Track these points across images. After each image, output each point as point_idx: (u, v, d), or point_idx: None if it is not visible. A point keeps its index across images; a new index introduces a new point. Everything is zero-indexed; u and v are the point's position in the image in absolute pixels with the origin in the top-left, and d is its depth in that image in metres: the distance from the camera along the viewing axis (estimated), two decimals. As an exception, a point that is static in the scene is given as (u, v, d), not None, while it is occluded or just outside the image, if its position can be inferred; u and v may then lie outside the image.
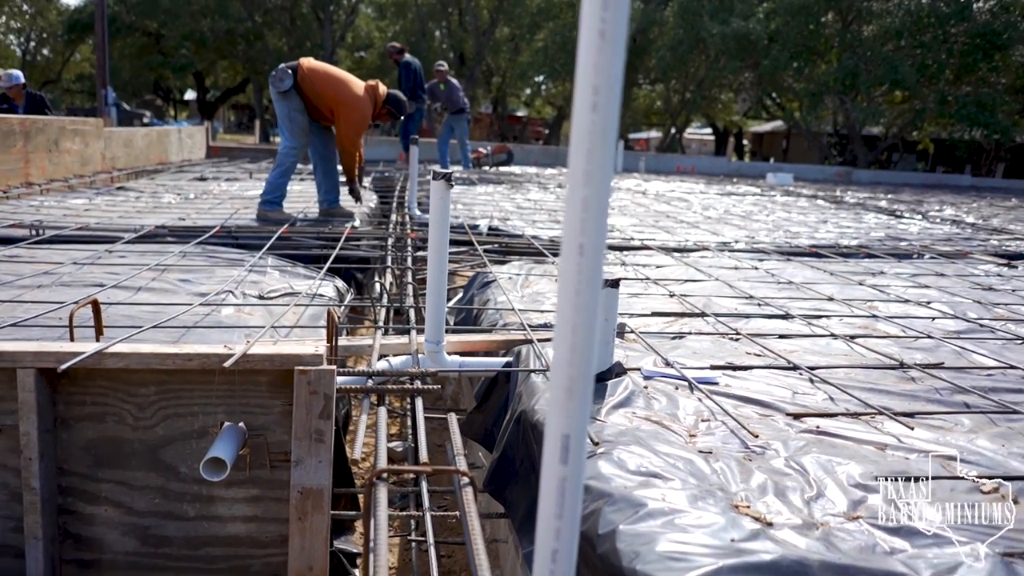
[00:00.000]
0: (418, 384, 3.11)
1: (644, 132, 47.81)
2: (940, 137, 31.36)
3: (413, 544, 3.43)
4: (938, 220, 11.53)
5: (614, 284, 3.03)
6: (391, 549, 4.14)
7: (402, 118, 8.24)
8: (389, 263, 5.80)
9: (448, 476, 2.53)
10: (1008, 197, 19.72)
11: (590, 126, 1.19)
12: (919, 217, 11.81)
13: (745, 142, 48.86)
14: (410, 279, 5.28)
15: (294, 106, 7.23)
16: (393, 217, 8.18)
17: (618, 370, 3.20)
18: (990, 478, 2.46)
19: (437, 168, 3.40)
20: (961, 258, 7.52)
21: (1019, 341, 4.32)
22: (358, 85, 7.41)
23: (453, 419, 2.81)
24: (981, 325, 4.66)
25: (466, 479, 2.18)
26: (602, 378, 3.14)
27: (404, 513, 2.68)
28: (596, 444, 2.55)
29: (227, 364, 2.53)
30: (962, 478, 2.46)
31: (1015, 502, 2.33)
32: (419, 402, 3.09)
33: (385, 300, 5.25)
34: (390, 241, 6.58)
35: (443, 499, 4.43)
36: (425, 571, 2.40)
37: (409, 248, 6.29)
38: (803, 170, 24.53)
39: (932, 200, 16.12)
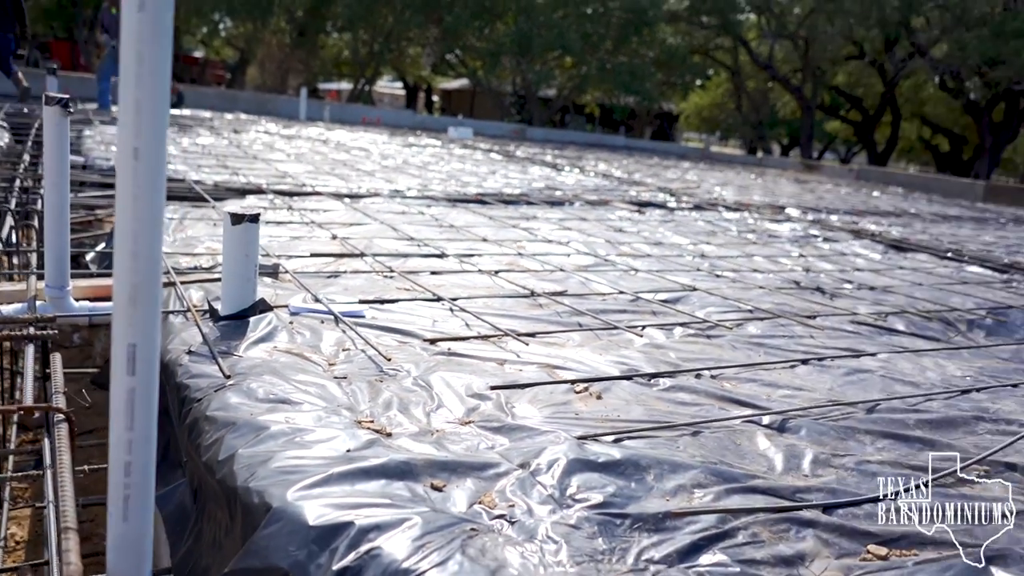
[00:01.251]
0: (31, 330, 2.81)
1: (335, 83, 46.84)
2: (603, 102, 34.84)
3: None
4: (592, 174, 12.88)
5: (252, 219, 2.99)
6: (20, 521, 3.75)
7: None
8: (13, 206, 5.10)
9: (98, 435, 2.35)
10: (652, 156, 22.61)
11: (138, 26, 1.16)
12: (577, 171, 13.09)
13: (435, 98, 50.10)
14: (36, 224, 4.71)
15: None
16: (26, 156, 7.18)
17: (262, 307, 3.17)
18: (583, 380, 2.88)
19: (49, 92, 2.95)
20: (603, 205, 8.51)
21: (633, 272, 5.04)
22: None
23: (57, 358, 2.60)
24: (606, 260, 5.35)
25: (60, 416, 2.04)
26: (245, 315, 3.10)
27: (21, 474, 2.44)
28: (228, 377, 2.52)
29: None
30: (561, 382, 2.84)
31: (598, 397, 2.76)
32: (56, 357, 2.79)
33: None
34: (18, 183, 5.78)
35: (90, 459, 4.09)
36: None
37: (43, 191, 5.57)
38: (484, 126, 25.84)
39: (591, 157, 17.93)
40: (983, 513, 2.22)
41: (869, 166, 30.60)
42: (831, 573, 1.86)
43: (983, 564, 1.90)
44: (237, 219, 2.96)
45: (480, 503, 1.98)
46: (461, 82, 42.13)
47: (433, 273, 4.41)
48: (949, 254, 7.51)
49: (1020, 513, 2.25)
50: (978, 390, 3.33)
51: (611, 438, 2.40)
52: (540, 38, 26.79)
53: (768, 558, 1.86)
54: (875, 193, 16.63)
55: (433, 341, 3.17)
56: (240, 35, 35.50)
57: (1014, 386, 3.45)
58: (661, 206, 9.08)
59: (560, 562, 1.76)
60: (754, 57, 33.59)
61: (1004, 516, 2.23)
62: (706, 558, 1.84)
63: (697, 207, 9.40)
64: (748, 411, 2.77)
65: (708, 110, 39.77)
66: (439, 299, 3.79)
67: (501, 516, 1.93)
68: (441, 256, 4.88)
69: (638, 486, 2.13)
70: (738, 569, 1.80)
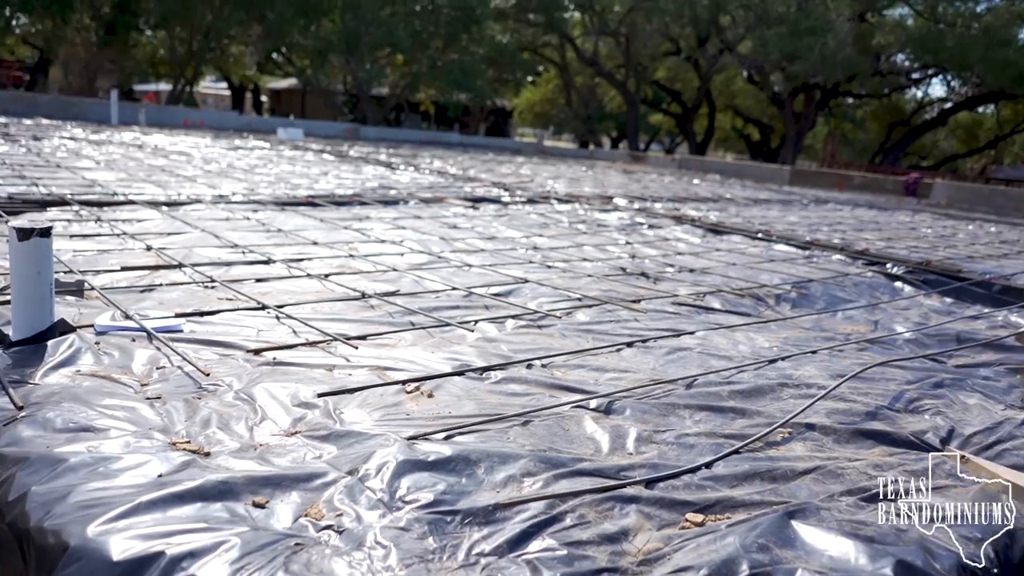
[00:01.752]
0: None
1: (153, 84, 43.95)
2: (437, 99, 34.84)
3: None
4: (427, 172, 12.86)
5: (43, 233, 2.74)
6: None
7: None
8: None
9: None
10: (487, 152, 22.89)
11: None
12: (412, 169, 13.02)
13: (263, 98, 48.15)
14: None
15: None
16: None
17: (62, 328, 2.92)
18: (415, 380, 2.86)
19: None
20: (438, 203, 8.51)
21: (466, 268, 5.07)
22: None
23: None
24: (440, 257, 5.35)
25: None
26: (42, 338, 2.84)
27: None
28: (20, 408, 2.30)
29: None
30: (392, 383, 2.81)
31: (430, 396, 2.75)
32: None
33: None
34: None
35: None
36: None
37: None
38: (315, 126, 25.16)
39: (426, 155, 17.89)
40: (787, 472, 2.41)
41: (690, 155, 32.53)
42: (653, 544, 1.95)
43: (786, 519, 2.06)
44: (25, 234, 2.71)
45: (306, 516, 1.92)
46: (290, 81, 40.76)
47: (259, 280, 4.23)
48: (759, 235, 8.11)
49: (818, 468, 2.46)
50: (783, 359, 3.62)
51: (442, 435, 2.39)
52: (369, 36, 26.39)
53: (594, 537, 1.93)
54: (695, 181, 17.69)
55: (257, 352, 3.04)
56: (39, 33, 32.52)
57: (813, 352, 3.77)
58: (495, 201, 9.21)
59: (389, 567, 1.74)
60: (580, 54, 34.76)
61: (804, 473, 2.43)
62: (535, 544, 1.88)
63: (530, 200, 9.61)
64: (577, 396, 2.85)
65: (540, 105, 40.77)
66: (264, 307, 3.64)
67: (328, 527, 1.87)
68: (267, 262, 4.70)
69: (469, 481, 2.14)
70: (565, 552, 1.84)
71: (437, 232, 6.47)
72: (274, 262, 4.70)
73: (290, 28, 26.59)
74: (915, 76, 34.26)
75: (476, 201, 8.87)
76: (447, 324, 3.62)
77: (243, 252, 4.93)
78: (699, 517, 2.10)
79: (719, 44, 31.52)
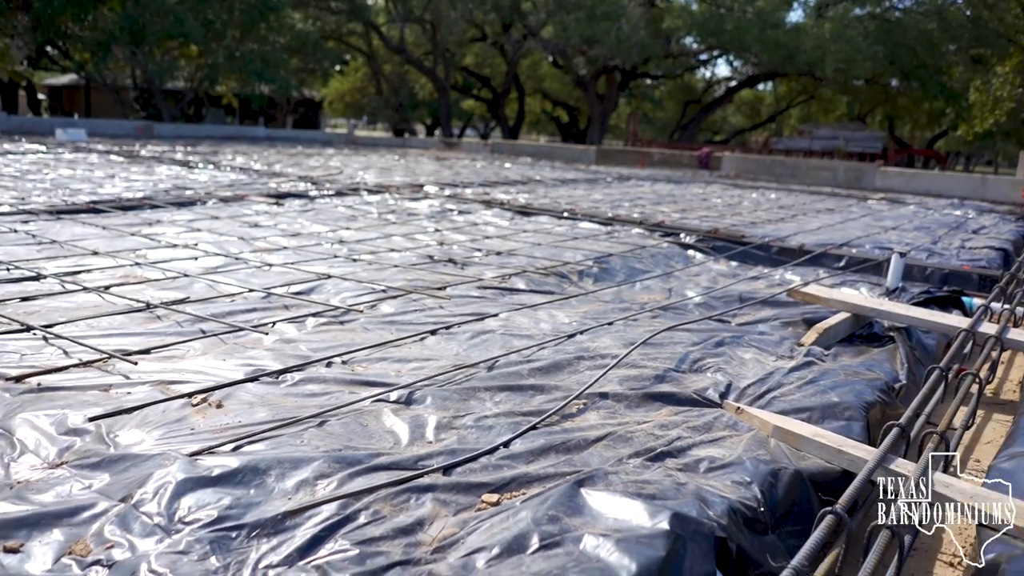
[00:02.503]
0: None
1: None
2: (240, 92, 33.16)
3: None
4: (228, 169, 12.21)
5: None
6: None
7: None
8: None
9: None
10: (295, 145, 22.14)
11: None
12: (211, 167, 12.32)
13: (41, 96, 43.67)
14: None
15: None
16: None
17: None
18: (202, 391, 2.70)
19: None
20: (238, 201, 8.11)
21: (266, 267, 4.86)
22: None
23: None
24: (238, 259, 5.09)
25: None
26: None
27: None
28: None
29: None
30: (176, 397, 2.63)
31: (218, 406, 2.60)
32: None
33: None
34: None
35: None
36: None
37: None
38: (102, 125, 23.24)
39: (228, 151, 17.00)
40: (580, 442, 2.51)
41: (503, 140, 33.11)
42: (448, 530, 1.95)
43: (576, 488, 2.14)
44: None
45: (70, 553, 1.75)
46: (71, 77, 37.28)
47: (25, 299, 3.82)
48: (565, 214, 8.40)
49: (609, 435, 2.58)
50: (581, 332, 3.76)
51: (229, 447, 2.27)
52: (155, 26, 24.58)
53: (388, 532, 1.90)
54: (507, 164, 18.05)
55: (19, 379, 2.75)
56: None
57: (610, 324, 3.96)
58: (302, 196, 8.91)
59: (165, 595, 1.63)
60: (386, 41, 34.34)
61: (596, 441, 2.54)
62: (327, 548, 1.83)
63: (339, 193, 9.39)
64: (377, 390, 2.81)
65: (350, 95, 39.91)
66: (29, 328, 3.30)
67: (96, 562, 1.73)
68: (37, 278, 4.26)
69: (258, 491, 2.05)
70: (357, 551, 1.81)
71: (236, 232, 6.16)
72: (45, 277, 4.28)
73: (61, 18, 24.23)
74: (703, 57, 36.86)
75: (280, 197, 8.54)
76: (240, 329, 3.46)
77: (7, 269, 4.44)
78: (495, 497, 2.13)
79: (523, 29, 32.29)
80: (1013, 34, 31.33)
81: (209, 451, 2.23)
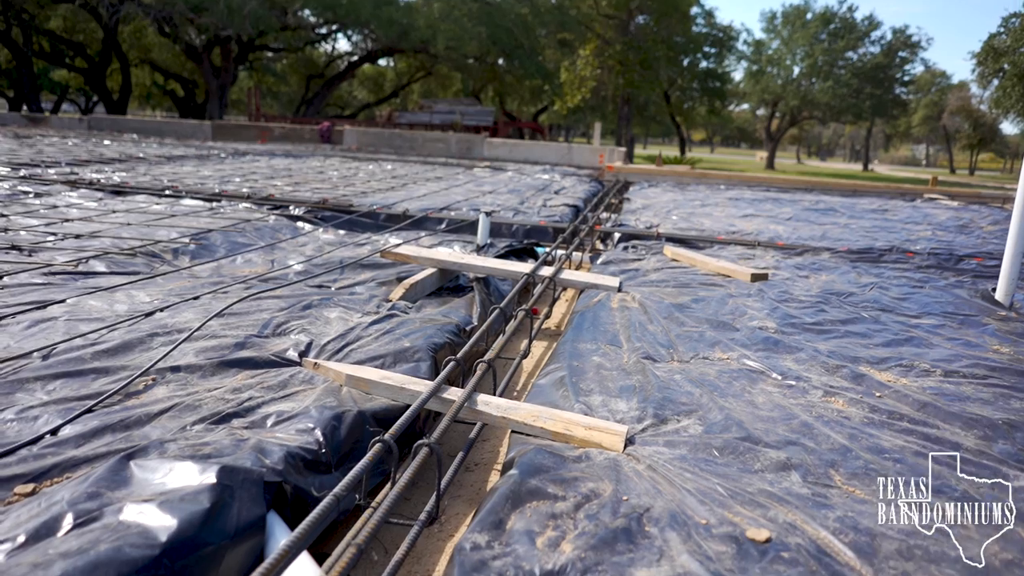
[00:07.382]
0: None
1: None
2: None
3: None
4: None
5: None
6: None
7: None
8: None
9: None
10: None
11: None
12: None
13: None
14: None
15: None
16: None
17: None
18: None
19: None
20: None
21: None
22: None
23: None
24: None
25: None
26: None
27: None
28: None
29: None
30: None
31: None
32: None
33: None
34: None
35: None
36: None
37: None
38: None
39: None
40: (141, 418, 2.43)
41: (105, 115, 29.68)
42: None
43: (124, 462, 2.07)
44: None
45: None
46: None
47: None
48: (167, 192, 7.87)
49: (175, 406, 2.53)
50: (162, 310, 3.60)
51: None
52: None
53: None
54: (106, 142, 16.28)
55: None
56: None
57: (196, 298, 3.84)
58: None
59: None
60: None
61: (161, 413, 2.48)
62: None
63: None
64: None
65: None
66: None
67: None
68: None
69: None
70: None
71: None
72: None
73: None
74: (322, 31, 36.61)
75: None
76: None
77: None
78: (30, 487, 1.99)
79: (119, -8, 29.06)
80: (589, 22, 36.18)
81: None
